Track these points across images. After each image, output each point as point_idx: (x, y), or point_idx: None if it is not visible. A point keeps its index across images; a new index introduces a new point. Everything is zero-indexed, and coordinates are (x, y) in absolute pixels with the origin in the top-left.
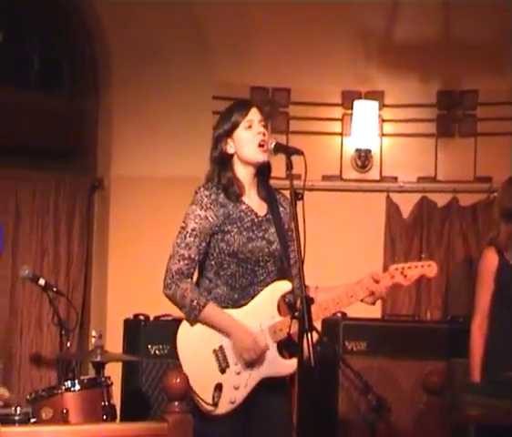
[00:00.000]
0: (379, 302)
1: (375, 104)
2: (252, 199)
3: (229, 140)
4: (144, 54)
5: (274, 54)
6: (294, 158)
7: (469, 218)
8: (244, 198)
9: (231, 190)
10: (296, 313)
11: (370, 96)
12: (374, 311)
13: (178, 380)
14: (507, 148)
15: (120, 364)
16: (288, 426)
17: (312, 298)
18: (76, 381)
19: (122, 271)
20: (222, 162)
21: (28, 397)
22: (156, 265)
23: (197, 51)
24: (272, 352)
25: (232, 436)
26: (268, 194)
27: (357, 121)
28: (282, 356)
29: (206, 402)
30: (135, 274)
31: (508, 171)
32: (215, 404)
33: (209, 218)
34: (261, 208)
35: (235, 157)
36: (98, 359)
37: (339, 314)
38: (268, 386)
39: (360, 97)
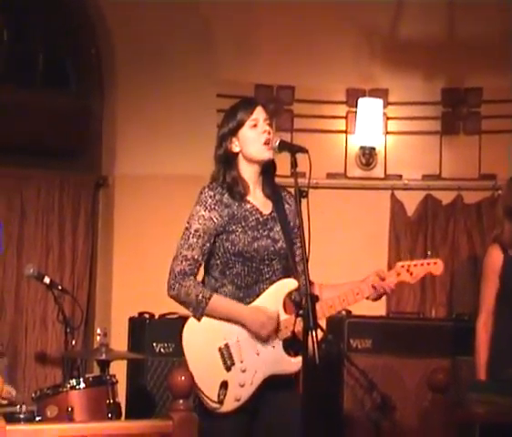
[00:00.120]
0: (384, 300)
1: (380, 102)
2: (257, 198)
3: (234, 139)
4: (148, 52)
5: (279, 52)
6: (299, 156)
7: (474, 215)
8: (249, 197)
9: (236, 190)
10: (301, 311)
11: (374, 93)
12: (379, 309)
13: (183, 377)
14: None
15: (125, 362)
16: (295, 424)
17: (317, 295)
18: (81, 379)
19: (127, 269)
20: (227, 161)
21: (33, 395)
22: (160, 263)
23: (201, 49)
24: (278, 350)
25: (238, 433)
26: (273, 192)
27: (361, 119)
28: (288, 354)
29: (211, 400)
30: (140, 272)
31: None
32: (220, 402)
33: (214, 219)
34: (266, 206)
35: (240, 155)
36: (103, 357)
37: (344, 312)
38: (274, 384)
39: (364, 95)
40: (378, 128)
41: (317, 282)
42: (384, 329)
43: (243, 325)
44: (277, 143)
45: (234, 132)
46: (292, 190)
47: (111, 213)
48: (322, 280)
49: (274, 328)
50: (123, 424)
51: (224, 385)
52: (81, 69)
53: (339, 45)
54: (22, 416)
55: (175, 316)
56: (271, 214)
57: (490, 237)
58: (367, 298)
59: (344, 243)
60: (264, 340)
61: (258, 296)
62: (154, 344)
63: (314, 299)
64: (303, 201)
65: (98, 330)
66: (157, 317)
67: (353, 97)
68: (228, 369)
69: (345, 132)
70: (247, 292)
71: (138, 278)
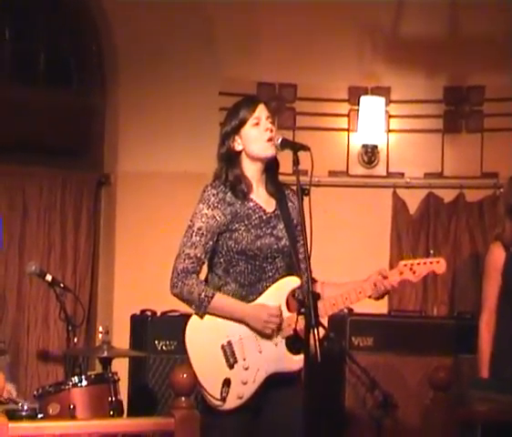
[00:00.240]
0: (385, 298)
1: (382, 100)
2: (260, 196)
3: (236, 137)
4: (151, 51)
5: (281, 50)
6: (301, 154)
7: (476, 213)
8: (252, 196)
9: (239, 188)
10: (302, 309)
11: (376, 91)
12: (381, 307)
13: (185, 375)
14: None
15: (127, 360)
16: (297, 422)
17: (318, 293)
18: (83, 377)
19: (129, 267)
20: (230, 159)
21: (35, 393)
22: (162, 261)
23: (203, 47)
24: (281, 348)
25: (240, 430)
26: (277, 190)
27: (364, 117)
28: (291, 352)
29: (214, 397)
30: (142, 270)
31: None
32: (223, 399)
33: (217, 217)
34: (269, 204)
35: (243, 153)
36: (105, 354)
37: (345, 310)
38: (276, 381)
39: (366, 93)
40: (380, 126)
41: (320, 280)
42: (386, 327)
43: (246, 323)
44: (279, 141)
45: (237, 130)
46: (294, 188)
47: (113, 211)
48: (323, 278)
49: (277, 324)
50: (125, 422)
51: (227, 383)
52: (83, 68)
53: (341, 44)
54: (24, 414)
55: (177, 314)
56: (274, 212)
57: (492, 235)
58: (370, 297)
59: (346, 241)
60: (268, 336)
61: (261, 294)
62: (156, 342)
63: (316, 296)
64: (305, 199)
65: (100, 328)
66: (158, 314)
67: (355, 95)
68: (230, 366)
69: (347, 130)
70: (250, 290)
71: (139, 275)
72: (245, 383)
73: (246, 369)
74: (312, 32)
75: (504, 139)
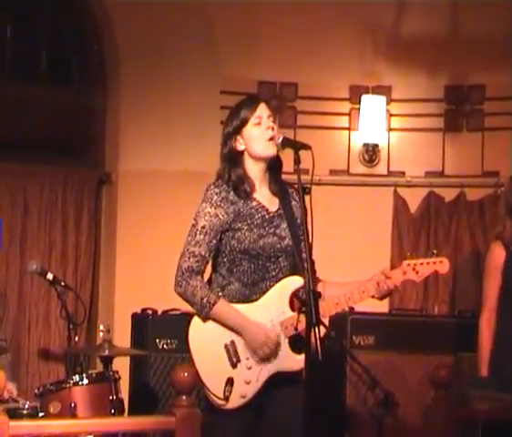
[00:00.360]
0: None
1: (383, 98)
2: (264, 195)
3: (238, 137)
4: (152, 50)
5: (282, 49)
6: (302, 153)
7: (477, 212)
8: (255, 195)
9: (242, 188)
10: (304, 308)
11: (377, 90)
12: (382, 306)
13: (186, 374)
14: None
15: (128, 358)
16: (298, 422)
17: (320, 292)
18: (84, 376)
19: (130, 266)
20: (232, 159)
21: (36, 391)
22: (163, 259)
23: (204, 46)
24: (284, 347)
25: (243, 430)
26: (280, 189)
27: (365, 116)
28: (294, 351)
29: (217, 397)
30: (143, 268)
31: None
32: (226, 399)
33: (220, 216)
34: (272, 203)
35: (245, 153)
36: (106, 353)
37: (346, 309)
38: (279, 381)
39: (367, 92)
40: (381, 125)
41: (324, 280)
42: (387, 325)
43: (243, 336)
44: (280, 140)
45: (238, 130)
46: (296, 187)
47: (114, 210)
48: (324, 277)
49: (271, 350)
50: (126, 421)
51: (230, 382)
52: (85, 67)
53: (342, 42)
54: (25, 412)
55: (178, 312)
56: (277, 211)
57: (493, 234)
58: (373, 296)
59: (347, 240)
60: (259, 358)
61: (264, 293)
62: (157, 340)
63: (317, 295)
64: (307, 198)
65: (101, 327)
66: (160, 313)
67: (356, 94)
68: (234, 366)
69: (348, 129)
70: (253, 289)
71: (140, 274)
72: (248, 383)
73: (249, 368)
74: (313, 30)
75: (504, 138)
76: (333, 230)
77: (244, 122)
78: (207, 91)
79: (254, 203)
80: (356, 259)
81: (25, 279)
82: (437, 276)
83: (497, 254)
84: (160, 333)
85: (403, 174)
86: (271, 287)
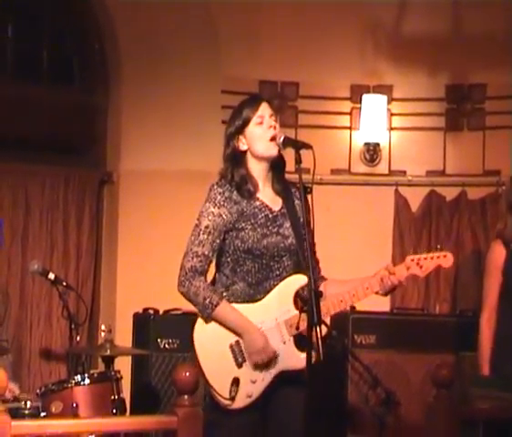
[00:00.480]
0: (388, 296)
1: (384, 98)
2: (267, 195)
3: (240, 137)
4: (153, 49)
5: (283, 48)
6: (303, 152)
7: (478, 211)
8: (258, 195)
9: (245, 188)
10: (305, 307)
11: (378, 89)
12: (383, 305)
13: (187, 373)
14: None
15: (130, 358)
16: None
17: (321, 291)
18: (86, 375)
19: (131, 265)
20: (235, 159)
21: (38, 391)
22: (165, 259)
23: (206, 46)
24: (289, 346)
25: (248, 429)
26: (283, 188)
27: (366, 115)
28: (299, 349)
29: (223, 397)
30: (144, 268)
31: None
32: (232, 398)
33: (223, 216)
34: (275, 202)
35: (248, 153)
36: (108, 353)
37: (348, 307)
38: (284, 380)
39: (368, 91)
40: (382, 124)
41: (330, 278)
42: (389, 324)
43: (243, 339)
44: (281, 139)
45: (241, 130)
46: (298, 186)
47: (116, 209)
48: (326, 276)
49: (267, 360)
50: (127, 420)
51: (236, 382)
52: (86, 66)
53: (343, 42)
54: (27, 412)
55: (179, 312)
56: (280, 210)
57: (494, 233)
58: (377, 292)
59: (348, 239)
60: (253, 363)
61: (268, 292)
62: (158, 340)
63: (318, 294)
64: (308, 197)
65: (103, 327)
66: (161, 313)
67: (357, 94)
68: (239, 365)
69: (349, 128)
70: (257, 289)
71: (142, 274)
72: (254, 382)
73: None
74: (314, 30)
75: (506, 137)
76: (335, 230)
77: (246, 122)
78: (208, 91)
79: (257, 203)
80: (357, 259)
81: (26, 279)
82: (438, 274)
83: (498, 253)
84: (162, 333)
85: (404, 173)
86: (275, 286)
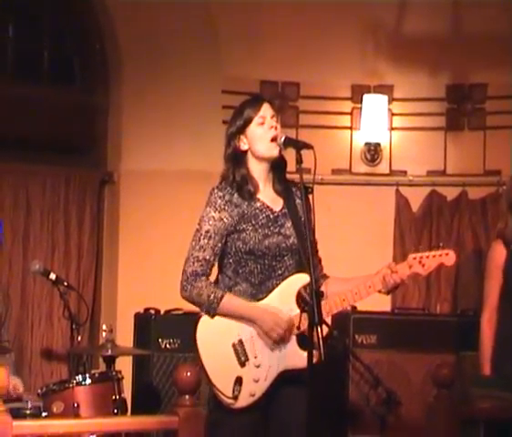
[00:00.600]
0: (389, 296)
1: (385, 98)
2: (268, 195)
3: (242, 137)
4: (154, 49)
5: (284, 48)
6: (304, 152)
7: (479, 211)
8: (259, 195)
9: (245, 188)
10: (306, 307)
11: (379, 89)
12: (384, 305)
13: (188, 373)
14: None
15: (131, 358)
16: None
17: (322, 291)
18: (87, 375)
19: (132, 265)
20: (236, 159)
21: (39, 391)
22: (166, 259)
23: (206, 45)
24: (292, 345)
25: (251, 428)
26: (284, 188)
27: (366, 115)
28: (302, 348)
29: (226, 396)
30: (145, 268)
31: None
32: (235, 398)
33: (224, 220)
34: (276, 203)
35: (249, 153)
36: (109, 353)
37: (349, 307)
38: (287, 379)
39: (369, 91)
40: (383, 124)
41: (332, 276)
42: (389, 324)
43: (255, 323)
44: (282, 139)
45: (242, 130)
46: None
47: (117, 209)
48: (328, 274)
49: (285, 330)
50: (129, 420)
51: (239, 381)
52: (87, 66)
53: (344, 42)
54: (28, 412)
55: (180, 312)
56: (281, 210)
57: (495, 232)
58: (379, 291)
59: (349, 239)
60: (275, 341)
61: (270, 292)
62: (160, 340)
63: (319, 294)
64: (309, 197)
65: (104, 326)
66: (162, 313)
67: (358, 94)
68: (242, 365)
69: (350, 128)
70: (260, 289)
71: (143, 274)
72: (257, 381)
73: (257, 366)
74: (315, 30)
75: (506, 137)
76: (335, 230)
77: (248, 122)
78: (209, 90)
79: (258, 204)
80: (358, 259)
81: (27, 279)
82: (439, 274)
83: (498, 252)
84: (163, 333)
85: (405, 173)
86: (277, 285)
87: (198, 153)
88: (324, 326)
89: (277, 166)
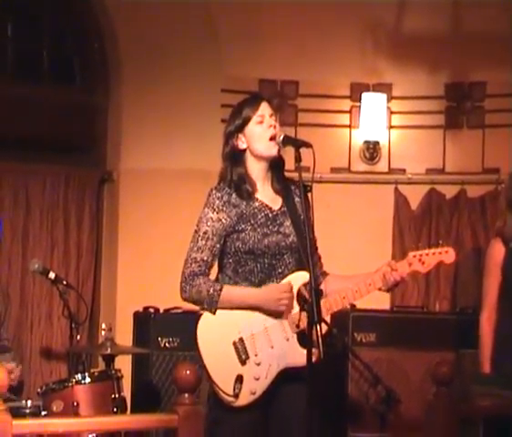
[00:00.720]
0: (388, 294)
1: (384, 96)
2: (266, 194)
3: (240, 136)
4: (153, 49)
5: (283, 46)
6: (303, 151)
7: (478, 209)
8: (257, 195)
9: (243, 188)
10: (305, 306)
11: (378, 88)
12: (383, 303)
13: (188, 372)
14: None
15: (130, 357)
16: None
17: (321, 290)
18: (87, 374)
19: (132, 264)
20: (234, 158)
21: (39, 390)
22: (165, 257)
23: (206, 45)
24: (292, 343)
25: (251, 426)
26: (283, 186)
27: (365, 113)
28: (302, 346)
29: (227, 394)
30: (144, 267)
31: None
32: (236, 396)
33: (223, 220)
34: (275, 201)
35: (247, 152)
36: (108, 351)
37: (348, 305)
38: (287, 377)
39: (368, 90)
40: (382, 123)
41: (331, 274)
42: (389, 322)
43: (259, 308)
44: (281, 138)
45: (241, 129)
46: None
47: (116, 208)
48: (328, 271)
49: (290, 299)
50: (128, 419)
51: (239, 379)
52: (86, 66)
53: (343, 40)
54: (28, 411)
55: (180, 310)
56: (280, 209)
57: (494, 230)
58: (380, 289)
59: (348, 237)
60: (283, 313)
61: None
62: (159, 339)
63: (319, 293)
64: (308, 196)
65: (103, 325)
66: (161, 311)
67: (356, 92)
68: (243, 363)
69: (349, 126)
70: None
71: (142, 273)
72: (257, 379)
73: (258, 364)
74: (314, 28)
75: (505, 135)
76: (334, 228)
77: (247, 120)
78: (208, 89)
79: (257, 203)
80: (357, 257)
81: (27, 279)
82: (439, 272)
83: (497, 250)
84: (162, 331)
85: (403, 171)
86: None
87: (197, 152)
88: (324, 324)
89: (275, 164)
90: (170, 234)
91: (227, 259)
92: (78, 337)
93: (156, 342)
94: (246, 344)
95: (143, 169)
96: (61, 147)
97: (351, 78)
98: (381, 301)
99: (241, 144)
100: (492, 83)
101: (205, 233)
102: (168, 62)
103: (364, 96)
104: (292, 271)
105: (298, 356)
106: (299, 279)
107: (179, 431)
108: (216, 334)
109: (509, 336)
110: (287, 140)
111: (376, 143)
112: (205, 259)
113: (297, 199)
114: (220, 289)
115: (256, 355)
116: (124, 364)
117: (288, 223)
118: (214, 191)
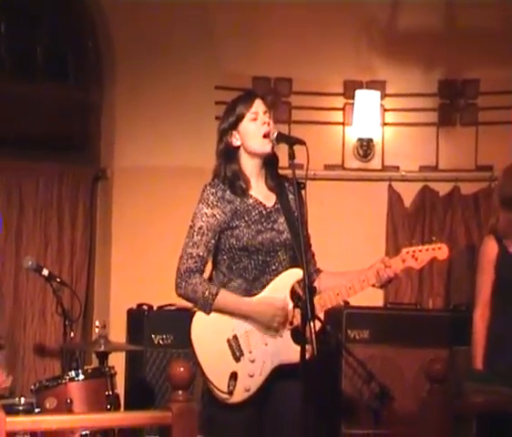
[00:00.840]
0: (381, 291)
1: (377, 93)
2: (260, 191)
3: (234, 133)
4: (148, 46)
5: (276, 44)
6: (296, 148)
7: (471, 206)
8: (251, 192)
9: (237, 184)
10: (299, 303)
11: (372, 85)
12: (377, 300)
13: (182, 369)
14: (509, 137)
15: (124, 354)
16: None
17: (315, 287)
18: (80, 371)
19: (125, 261)
20: (228, 155)
21: (32, 387)
22: (159, 255)
23: (200, 42)
24: (286, 340)
25: (246, 423)
26: (277, 184)
27: (359, 111)
28: (296, 343)
29: (221, 391)
30: (138, 264)
31: (510, 159)
32: (230, 393)
33: (217, 216)
34: (269, 198)
35: (241, 149)
36: (102, 349)
37: (342, 302)
38: (281, 374)
39: (362, 87)
40: (375, 120)
41: (325, 270)
42: (382, 319)
43: (253, 319)
44: (275, 135)
45: (234, 126)
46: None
47: (110, 205)
48: (321, 268)
49: (284, 316)
50: (122, 416)
51: (234, 376)
52: (80, 64)
53: (337, 37)
54: (21, 408)
55: (173, 308)
56: (274, 206)
57: (487, 227)
58: (373, 285)
59: (342, 234)
60: (276, 329)
61: (264, 287)
62: (153, 336)
63: (312, 290)
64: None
65: (97, 322)
66: (155, 309)
67: (350, 89)
68: (237, 360)
69: (343, 124)
70: (254, 284)
71: (136, 270)
72: (252, 376)
73: (252, 361)
74: (308, 26)
75: (498, 132)
76: (328, 225)
77: (240, 118)
78: (202, 87)
79: (251, 200)
80: (351, 254)
81: (20, 276)
82: (432, 269)
83: (490, 248)
84: (156, 329)
85: (397, 168)
86: (271, 281)
87: (191, 149)
88: (317, 321)
89: (269, 162)
90: (164, 231)
91: (221, 256)
92: (72, 334)
93: (149, 339)
94: (240, 341)
95: (137, 167)
96: (55, 145)
97: (344, 76)
98: (374, 298)
99: (235, 141)
100: (485, 80)
101: (200, 228)
102: (162, 60)
103: (358, 93)
104: (286, 268)
105: (292, 353)
106: (293, 276)
107: (173, 428)
108: (210, 331)
109: (502, 334)
110: (281, 137)
111: (370, 140)
112: (201, 254)
113: (291, 196)
114: (216, 294)
115: (250, 352)
116: (118, 361)
117: (282, 220)
118: (208, 187)
